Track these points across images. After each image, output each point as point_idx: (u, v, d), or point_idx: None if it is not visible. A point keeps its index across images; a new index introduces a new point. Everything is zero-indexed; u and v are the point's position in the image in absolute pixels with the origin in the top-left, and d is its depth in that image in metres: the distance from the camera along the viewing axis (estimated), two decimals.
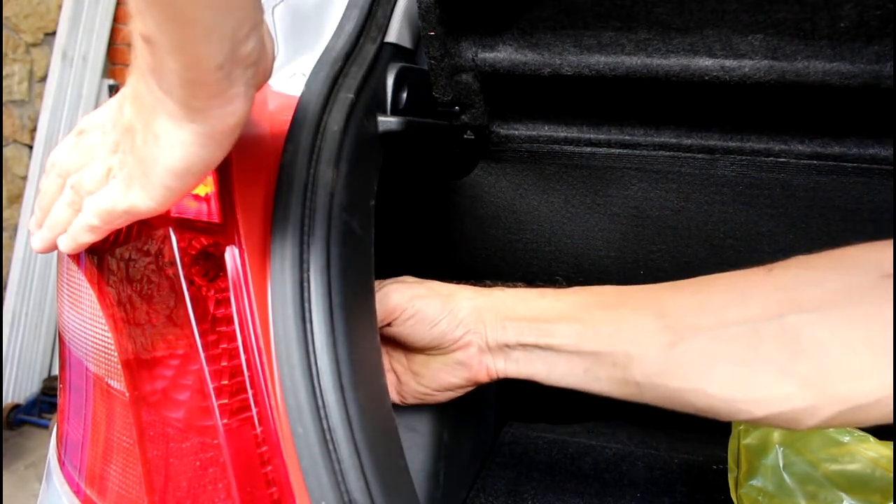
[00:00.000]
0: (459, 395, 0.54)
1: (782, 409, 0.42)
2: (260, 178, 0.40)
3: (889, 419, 0.40)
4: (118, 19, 2.65)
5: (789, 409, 0.42)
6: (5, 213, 2.34)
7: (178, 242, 0.38)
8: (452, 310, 0.50)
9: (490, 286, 0.53)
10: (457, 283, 0.53)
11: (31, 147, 2.40)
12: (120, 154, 0.35)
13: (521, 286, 0.53)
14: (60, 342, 0.48)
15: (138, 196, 0.33)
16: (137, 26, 0.28)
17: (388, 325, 0.51)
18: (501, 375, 0.51)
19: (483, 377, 0.51)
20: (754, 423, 0.47)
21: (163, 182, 0.32)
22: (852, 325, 0.41)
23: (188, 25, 0.26)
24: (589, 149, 0.57)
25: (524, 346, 0.50)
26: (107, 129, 0.37)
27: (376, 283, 0.50)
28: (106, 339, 0.41)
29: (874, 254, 0.43)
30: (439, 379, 0.52)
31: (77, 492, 0.45)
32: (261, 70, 0.32)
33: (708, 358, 0.44)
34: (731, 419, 0.46)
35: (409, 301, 0.50)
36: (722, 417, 0.45)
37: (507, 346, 0.50)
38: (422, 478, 0.66)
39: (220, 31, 0.27)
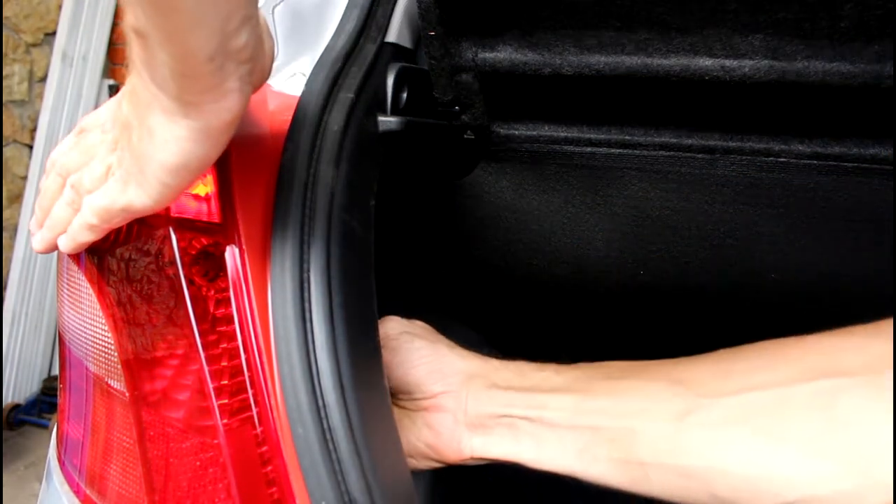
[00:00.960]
0: (423, 468, 0.48)
1: (817, 493, 0.35)
2: (260, 178, 0.40)
3: None
4: (118, 19, 2.65)
5: (827, 493, 0.35)
6: (5, 213, 2.34)
7: (178, 242, 0.38)
8: (439, 362, 0.47)
9: (489, 356, 0.49)
10: (465, 349, 0.49)
11: (31, 147, 2.40)
12: (118, 151, 0.35)
13: (521, 361, 0.48)
14: (60, 342, 0.48)
15: (135, 193, 0.33)
16: (129, 20, 0.28)
17: None
18: (477, 456, 0.45)
19: (451, 454, 0.45)
20: None
21: (158, 178, 0.32)
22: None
23: (174, 14, 0.26)
24: (589, 149, 0.57)
25: (511, 419, 0.44)
26: (107, 127, 0.37)
27: (381, 318, 0.48)
28: (106, 339, 0.41)
29: None
30: (405, 439, 0.46)
31: (77, 492, 0.45)
32: (258, 68, 0.32)
33: (727, 429, 0.38)
34: None
35: (398, 334, 0.48)
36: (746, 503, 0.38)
37: (491, 418, 0.44)
38: (422, 477, 0.66)
39: (208, 22, 0.27)
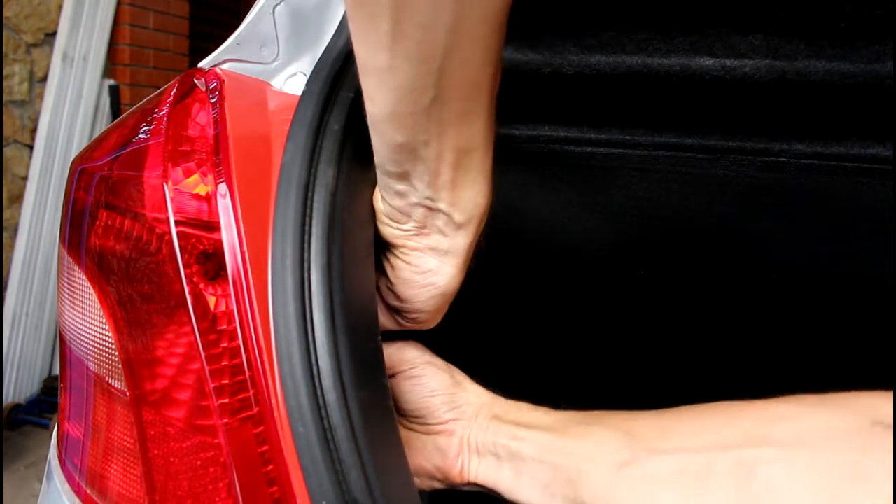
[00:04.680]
0: (425, 488, 0.50)
1: None
2: (261, 177, 0.40)
3: None
4: (118, 20, 2.65)
5: None
6: (6, 214, 2.34)
7: (178, 242, 0.38)
8: (455, 393, 0.49)
9: (497, 394, 0.52)
10: (476, 383, 0.51)
11: (31, 147, 2.40)
12: None
13: (524, 402, 0.50)
14: (61, 342, 0.48)
15: None
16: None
17: (392, 376, 0.49)
18: (472, 480, 0.48)
19: (455, 475, 0.48)
20: None
21: None
22: (818, 473, 0.34)
23: None
24: (589, 149, 0.57)
25: (497, 447, 0.47)
26: None
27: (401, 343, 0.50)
28: (106, 339, 0.41)
29: (875, 399, 0.37)
30: (414, 460, 0.49)
31: (78, 491, 0.45)
32: None
33: (655, 486, 0.40)
34: None
35: (423, 363, 0.50)
36: None
37: (485, 446, 0.48)
38: None
39: None
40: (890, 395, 0.36)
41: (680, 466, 0.39)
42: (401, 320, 0.47)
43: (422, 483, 0.50)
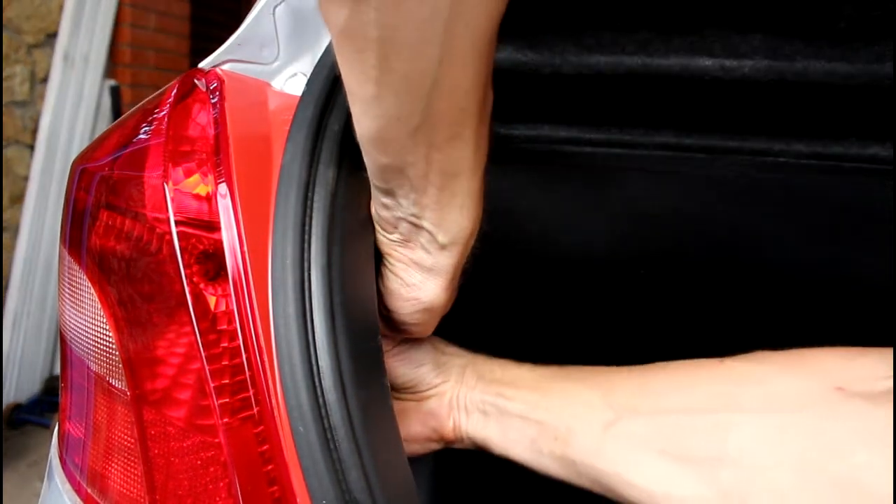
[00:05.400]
0: (424, 452, 0.52)
1: None
2: (261, 177, 0.40)
3: None
4: (119, 20, 2.65)
5: None
6: (7, 214, 2.35)
7: (179, 242, 0.38)
8: (439, 359, 0.51)
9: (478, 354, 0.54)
10: (460, 347, 0.53)
11: (32, 148, 2.41)
12: None
13: (506, 359, 0.53)
14: (62, 341, 0.48)
15: None
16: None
17: None
18: (463, 436, 0.50)
19: (449, 433, 0.50)
20: None
21: None
22: (789, 438, 0.37)
23: None
24: (589, 149, 0.57)
25: (485, 404, 0.49)
26: None
27: None
28: (107, 338, 0.41)
29: (834, 360, 0.40)
30: (408, 428, 0.51)
31: (78, 490, 0.45)
32: None
33: (639, 444, 0.42)
34: None
35: (407, 347, 0.51)
36: None
37: (473, 404, 0.50)
38: (422, 476, 0.66)
39: None
40: (844, 353, 0.40)
41: (659, 427, 0.41)
42: (393, 327, 0.48)
43: (421, 448, 0.52)
